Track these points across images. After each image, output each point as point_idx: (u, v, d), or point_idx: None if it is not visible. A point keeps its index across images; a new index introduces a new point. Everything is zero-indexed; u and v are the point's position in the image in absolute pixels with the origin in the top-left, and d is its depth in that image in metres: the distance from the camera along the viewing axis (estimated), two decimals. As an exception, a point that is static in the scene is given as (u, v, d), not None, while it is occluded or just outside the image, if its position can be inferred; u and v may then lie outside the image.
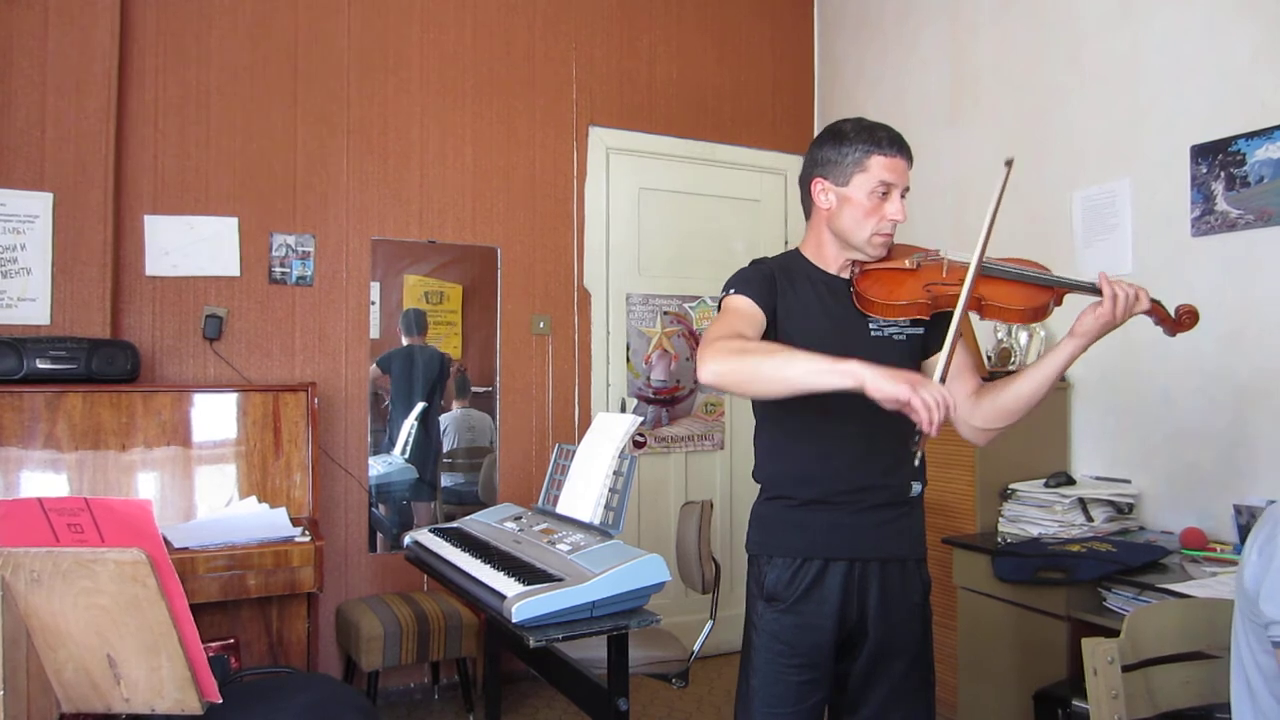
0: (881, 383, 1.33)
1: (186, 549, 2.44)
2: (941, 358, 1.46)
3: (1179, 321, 1.59)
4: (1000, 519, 2.78)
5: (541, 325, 3.72)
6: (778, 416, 1.72)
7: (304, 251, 3.31)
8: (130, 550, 1.32)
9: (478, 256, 3.64)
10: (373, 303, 3.45)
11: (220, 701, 1.48)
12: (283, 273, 3.28)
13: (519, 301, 3.69)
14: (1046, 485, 2.73)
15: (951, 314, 1.52)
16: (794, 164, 3.65)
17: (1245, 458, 2.49)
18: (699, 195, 4.07)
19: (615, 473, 2.07)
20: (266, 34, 3.27)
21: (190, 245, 3.13)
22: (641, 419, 3.79)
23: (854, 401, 1.48)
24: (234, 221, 3.20)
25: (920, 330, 1.69)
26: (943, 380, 1.41)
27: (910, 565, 1.69)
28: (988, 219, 1.53)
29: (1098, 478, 2.87)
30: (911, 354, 1.69)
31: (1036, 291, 1.59)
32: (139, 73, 3.07)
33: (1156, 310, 1.57)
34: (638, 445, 3.87)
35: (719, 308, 1.68)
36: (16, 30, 2.81)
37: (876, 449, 1.64)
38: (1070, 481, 2.77)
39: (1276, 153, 2.41)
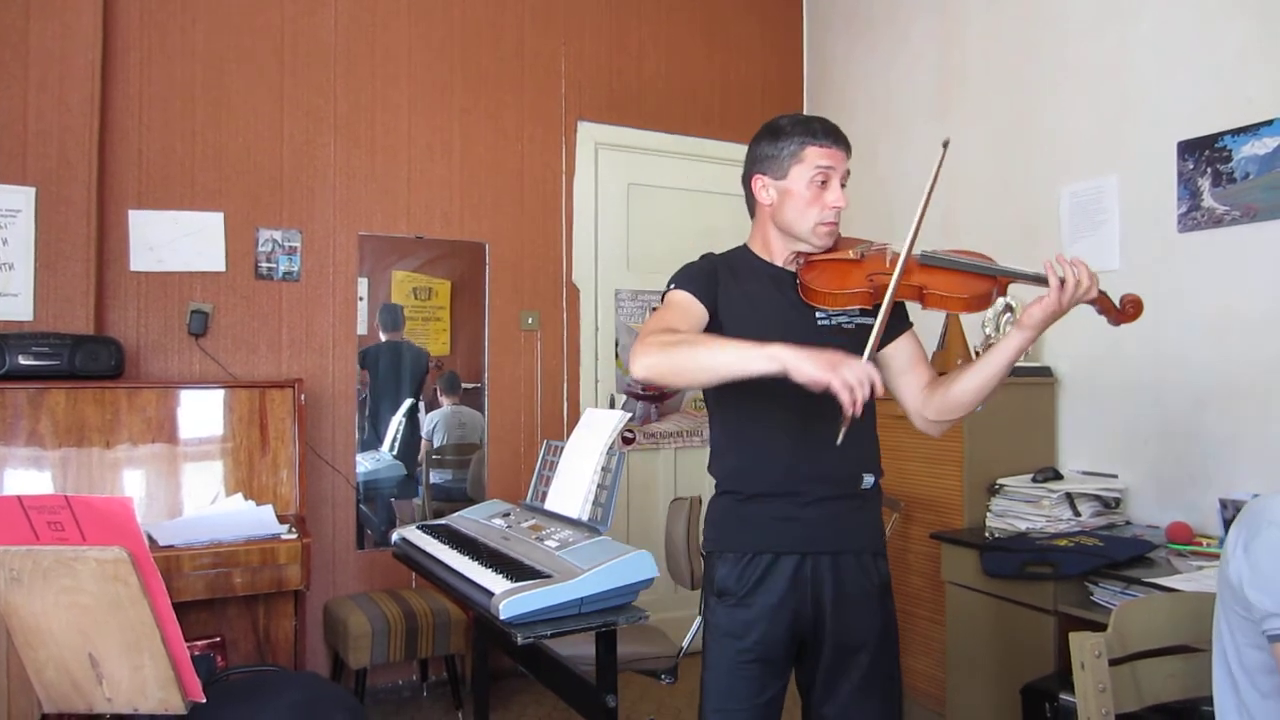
0: (803, 365, 1.34)
1: (172, 546, 2.42)
2: (871, 338, 1.48)
3: (1123, 311, 1.58)
4: (988, 514, 2.79)
5: (530, 321, 3.71)
6: (720, 411, 1.72)
7: (290, 247, 3.28)
8: (111, 548, 1.30)
9: (466, 252, 3.62)
10: (360, 298, 3.43)
11: (204, 701, 1.47)
12: (269, 268, 3.25)
13: (507, 297, 3.68)
14: (1034, 480, 2.74)
15: (896, 302, 1.54)
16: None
17: (1231, 452, 2.50)
18: (688, 191, 4.06)
19: (604, 469, 2.06)
20: (252, 27, 3.24)
21: (175, 240, 3.10)
22: (630, 415, 3.79)
23: (789, 394, 1.47)
24: (219, 216, 3.17)
25: (870, 319, 1.66)
26: (870, 359, 1.43)
27: (866, 558, 1.67)
28: (924, 197, 1.53)
29: (1085, 472, 2.88)
30: (862, 341, 1.64)
31: (978, 280, 1.60)
32: (123, 66, 3.04)
33: (1101, 300, 1.56)
34: (626, 441, 3.87)
35: (662, 300, 1.69)
36: (-3, 22, 2.78)
37: (814, 441, 1.61)
38: (1057, 476, 2.78)
39: (1262, 149, 2.42)
